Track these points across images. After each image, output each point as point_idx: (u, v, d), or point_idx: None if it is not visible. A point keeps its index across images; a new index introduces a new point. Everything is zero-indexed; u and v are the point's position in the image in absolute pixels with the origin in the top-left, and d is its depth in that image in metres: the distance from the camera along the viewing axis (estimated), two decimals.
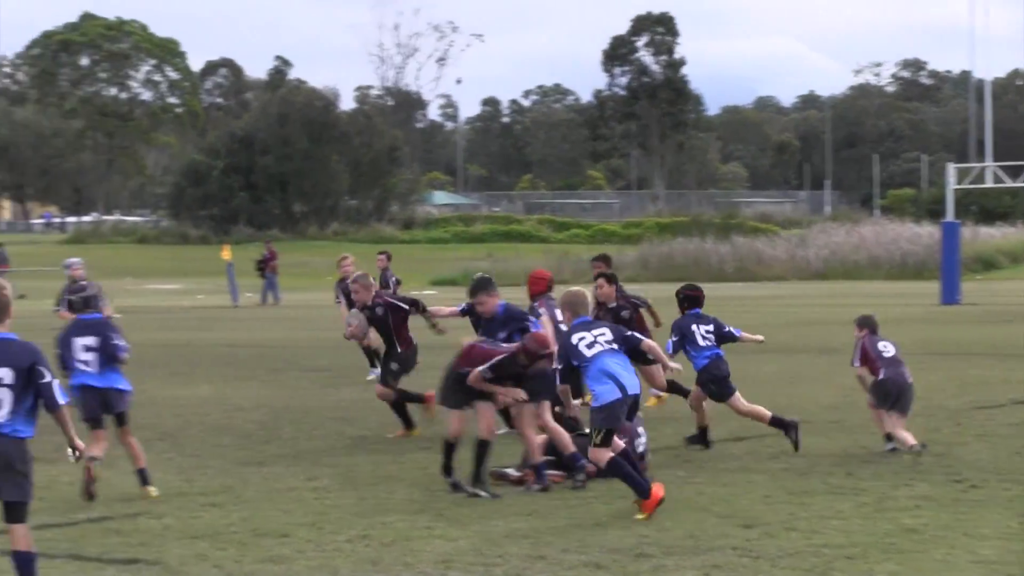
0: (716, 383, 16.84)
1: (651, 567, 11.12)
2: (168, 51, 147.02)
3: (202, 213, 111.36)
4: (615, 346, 13.64)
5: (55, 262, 72.76)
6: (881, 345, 16.54)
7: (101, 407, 14.48)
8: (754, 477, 15.13)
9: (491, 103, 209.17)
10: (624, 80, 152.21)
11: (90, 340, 14.40)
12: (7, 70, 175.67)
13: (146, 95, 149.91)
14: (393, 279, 28.32)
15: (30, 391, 9.63)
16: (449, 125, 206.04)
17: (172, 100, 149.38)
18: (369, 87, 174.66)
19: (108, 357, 14.42)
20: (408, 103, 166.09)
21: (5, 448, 9.56)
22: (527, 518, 13.25)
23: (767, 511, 13.23)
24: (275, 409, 21.83)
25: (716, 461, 16.21)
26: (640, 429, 15.23)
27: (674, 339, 16.86)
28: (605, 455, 13.32)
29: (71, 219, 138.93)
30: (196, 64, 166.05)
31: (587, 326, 13.87)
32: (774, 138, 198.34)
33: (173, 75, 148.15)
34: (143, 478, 14.58)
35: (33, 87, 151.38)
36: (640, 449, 15.07)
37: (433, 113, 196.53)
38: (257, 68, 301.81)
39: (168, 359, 31.12)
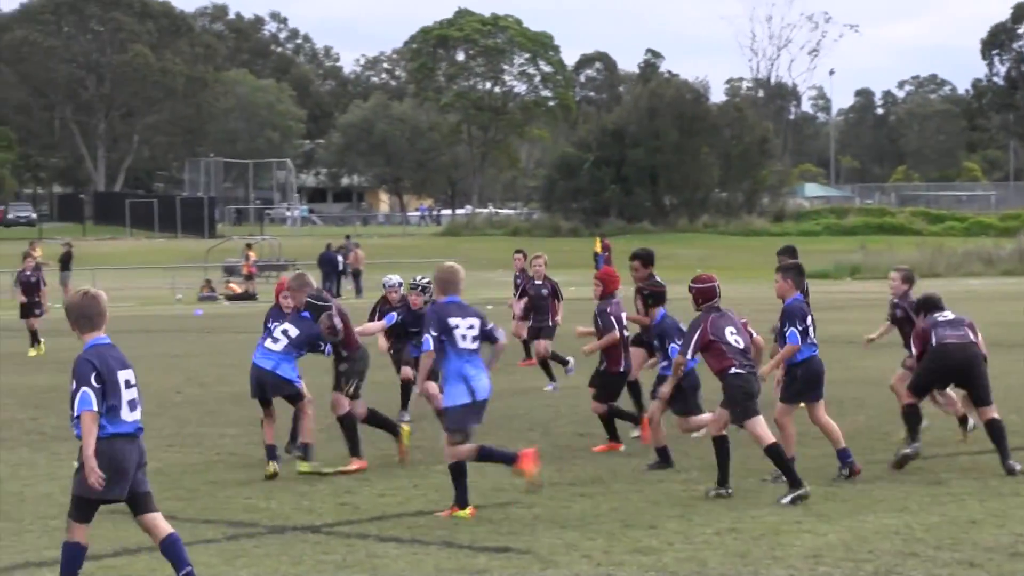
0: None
1: None
2: (542, 45, 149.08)
3: (573, 206, 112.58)
4: (476, 345, 13.49)
5: (428, 255, 74.64)
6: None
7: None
8: None
9: (864, 94, 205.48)
10: (1003, 69, 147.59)
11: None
12: (386, 66, 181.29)
13: (520, 89, 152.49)
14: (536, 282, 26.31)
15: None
16: (821, 117, 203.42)
17: (545, 94, 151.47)
18: (740, 79, 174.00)
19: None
20: (780, 94, 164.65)
21: (142, 445, 10.22)
22: (898, 514, 13.02)
23: None
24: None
25: None
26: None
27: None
28: (457, 452, 13.35)
29: (446, 212, 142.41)
30: (571, 58, 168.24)
31: (462, 311, 13.56)
32: None
33: (547, 69, 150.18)
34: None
35: (411, 82, 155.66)
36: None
37: (805, 105, 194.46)
38: (629, 61, 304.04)
39: None
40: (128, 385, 10.02)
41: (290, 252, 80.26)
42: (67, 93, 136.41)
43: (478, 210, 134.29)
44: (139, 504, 10.21)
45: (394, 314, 19.70)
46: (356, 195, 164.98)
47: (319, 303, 16.08)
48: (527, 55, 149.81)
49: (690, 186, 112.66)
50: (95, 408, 9.83)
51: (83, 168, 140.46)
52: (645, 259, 17.60)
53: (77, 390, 9.83)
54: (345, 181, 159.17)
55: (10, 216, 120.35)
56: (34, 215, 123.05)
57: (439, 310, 13.49)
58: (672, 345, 15.80)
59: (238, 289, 62.62)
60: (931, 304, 15.99)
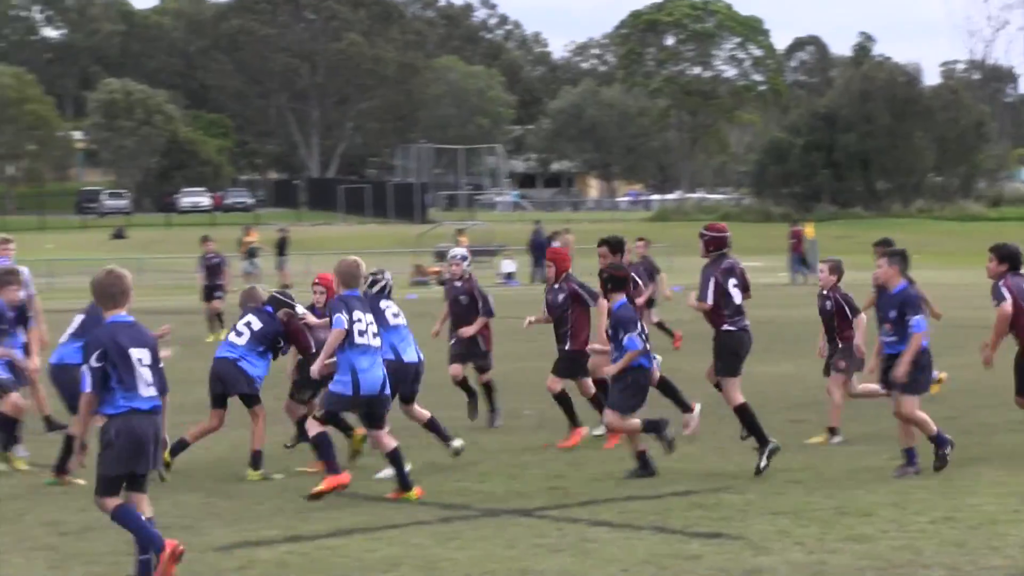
0: None
1: None
2: (752, 29, 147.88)
3: (784, 191, 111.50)
4: (376, 342, 13.58)
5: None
6: None
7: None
8: None
9: None
10: None
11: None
12: (596, 51, 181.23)
13: (730, 73, 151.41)
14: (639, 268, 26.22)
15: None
16: None
17: (756, 78, 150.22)
18: (955, 62, 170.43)
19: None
20: (996, 77, 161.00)
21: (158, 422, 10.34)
22: None
23: None
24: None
25: None
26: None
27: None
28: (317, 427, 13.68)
29: (655, 197, 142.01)
30: (782, 42, 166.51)
31: (362, 305, 13.69)
32: None
33: (757, 53, 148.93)
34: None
35: (620, 67, 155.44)
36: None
37: (1023, 87, 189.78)
38: (842, 45, 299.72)
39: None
40: (142, 364, 10.26)
41: (501, 237, 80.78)
42: (282, 81, 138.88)
43: (688, 195, 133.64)
44: (137, 483, 10.41)
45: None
46: (566, 180, 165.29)
47: (283, 298, 15.70)
48: (737, 40, 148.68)
49: (903, 171, 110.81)
50: (89, 389, 10.15)
51: (298, 155, 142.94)
52: (614, 246, 16.70)
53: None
54: (555, 166, 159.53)
55: (228, 202, 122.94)
56: (251, 201, 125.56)
57: (346, 301, 13.68)
58: (630, 336, 14.44)
59: (439, 272, 63.45)
60: None
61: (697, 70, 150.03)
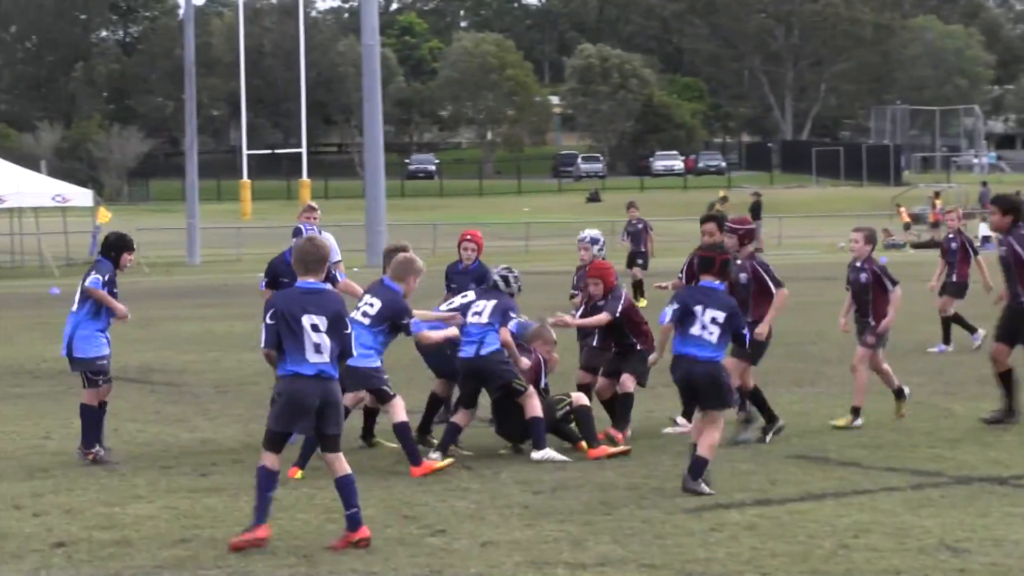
0: None
1: None
2: None
3: None
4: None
5: None
6: None
7: None
8: None
9: None
10: None
11: None
12: None
13: None
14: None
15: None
16: None
17: None
18: None
19: None
20: None
21: (327, 387, 10.55)
22: None
23: None
24: None
25: None
26: None
27: None
28: None
29: None
30: None
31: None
32: None
33: None
34: None
35: None
36: None
37: None
38: None
39: None
40: (316, 330, 10.50)
41: (977, 200, 78.49)
42: (756, 43, 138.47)
43: None
44: (323, 444, 10.82)
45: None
46: None
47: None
48: None
49: None
50: (264, 346, 10.64)
51: (771, 117, 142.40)
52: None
53: None
54: None
55: (700, 165, 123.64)
56: (723, 164, 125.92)
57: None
58: None
59: (893, 236, 63.11)
60: None
61: None
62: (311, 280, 10.80)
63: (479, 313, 14.18)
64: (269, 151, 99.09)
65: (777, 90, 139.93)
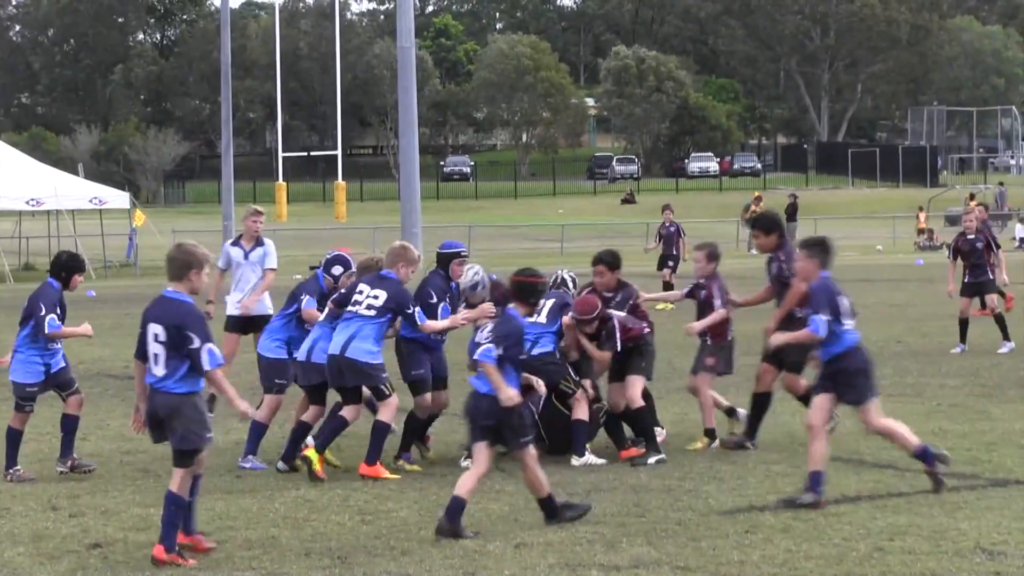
0: None
1: None
2: None
3: None
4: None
5: None
6: None
7: None
8: None
9: None
10: None
11: None
12: None
13: None
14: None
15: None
16: None
17: None
18: None
19: None
20: None
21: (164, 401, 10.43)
22: None
23: None
24: None
25: None
26: None
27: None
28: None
29: None
30: None
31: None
32: None
33: None
34: None
35: None
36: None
37: None
38: None
39: None
40: (156, 340, 10.42)
41: (1015, 201, 78.21)
42: (792, 44, 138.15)
43: None
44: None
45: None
46: None
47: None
48: None
49: None
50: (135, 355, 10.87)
51: (807, 118, 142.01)
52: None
53: None
54: None
55: (736, 166, 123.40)
56: (758, 165, 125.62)
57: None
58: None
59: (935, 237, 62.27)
60: None
61: None
62: (171, 288, 10.66)
63: (539, 312, 13.82)
64: (305, 153, 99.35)
65: (813, 91, 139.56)
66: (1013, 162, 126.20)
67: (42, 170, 54.86)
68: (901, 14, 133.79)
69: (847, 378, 11.98)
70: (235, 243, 18.52)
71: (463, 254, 14.45)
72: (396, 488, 11.22)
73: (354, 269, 14.65)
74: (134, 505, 12.45)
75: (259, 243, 18.48)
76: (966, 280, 23.27)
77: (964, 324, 23.09)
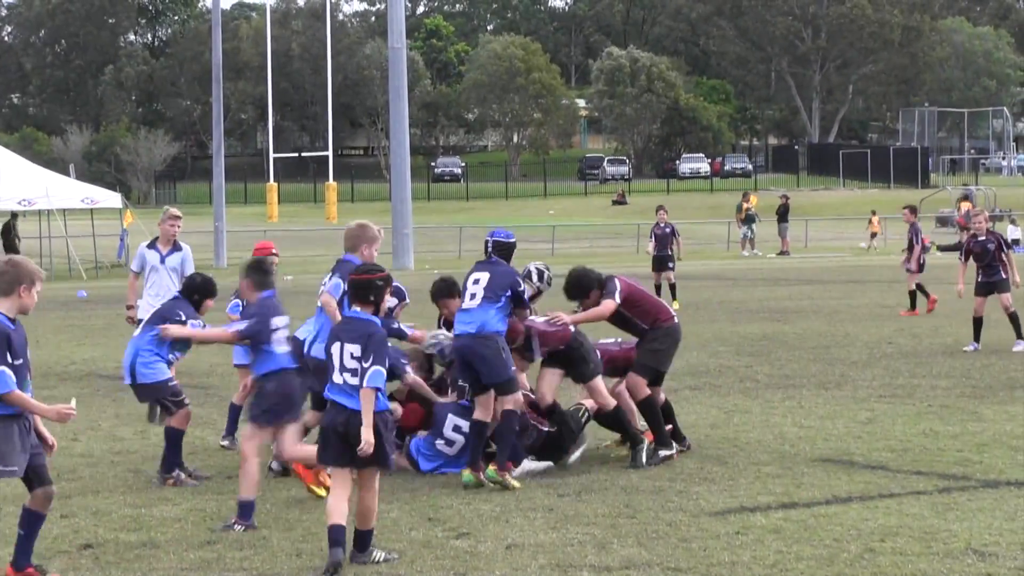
0: None
1: None
2: None
3: None
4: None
5: None
6: None
7: None
8: None
9: None
10: None
11: None
12: None
13: None
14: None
15: None
16: None
17: None
18: None
19: None
20: None
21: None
22: None
23: None
24: None
25: None
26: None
27: None
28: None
29: None
30: None
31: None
32: None
33: None
34: None
35: None
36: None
37: None
38: None
39: None
40: None
41: (1005, 202, 78.30)
42: (784, 45, 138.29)
43: None
44: None
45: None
46: None
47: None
48: None
49: None
50: None
51: (798, 119, 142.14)
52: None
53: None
54: None
55: (727, 168, 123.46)
56: (749, 166, 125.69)
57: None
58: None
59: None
60: None
61: None
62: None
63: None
64: (296, 154, 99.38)
65: (804, 92, 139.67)
66: (1004, 163, 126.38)
67: (33, 170, 54.78)
68: (892, 15, 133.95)
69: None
70: (151, 246, 18.21)
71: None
72: (388, 489, 11.21)
73: (408, 301, 14.37)
74: (125, 506, 12.43)
75: (176, 247, 18.22)
76: (979, 280, 23.58)
77: (978, 323, 23.28)
